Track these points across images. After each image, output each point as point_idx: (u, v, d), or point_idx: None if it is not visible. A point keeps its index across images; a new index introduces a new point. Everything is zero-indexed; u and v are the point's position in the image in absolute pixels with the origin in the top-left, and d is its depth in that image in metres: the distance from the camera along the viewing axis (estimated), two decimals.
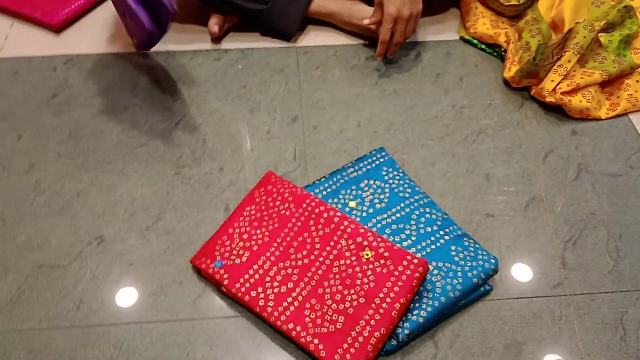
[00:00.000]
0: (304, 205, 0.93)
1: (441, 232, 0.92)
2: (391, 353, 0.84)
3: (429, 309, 0.83)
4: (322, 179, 1.02)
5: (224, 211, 1.01)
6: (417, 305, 0.84)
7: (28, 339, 0.87)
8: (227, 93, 1.20)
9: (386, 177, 1.01)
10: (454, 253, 0.89)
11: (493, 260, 0.88)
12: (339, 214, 0.90)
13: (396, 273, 0.83)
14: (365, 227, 0.89)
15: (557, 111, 1.17)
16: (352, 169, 1.03)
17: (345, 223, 0.89)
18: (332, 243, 0.89)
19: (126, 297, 0.91)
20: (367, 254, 0.86)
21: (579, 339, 0.86)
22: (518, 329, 0.87)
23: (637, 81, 1.19)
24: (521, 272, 0.93)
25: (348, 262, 0.86)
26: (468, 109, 1.18)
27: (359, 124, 1.15)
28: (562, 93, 1.13)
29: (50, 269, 0.95)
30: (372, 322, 0.81)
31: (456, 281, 0.85)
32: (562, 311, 0.89)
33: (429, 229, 0.93)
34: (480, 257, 0.89)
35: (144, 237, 0.98)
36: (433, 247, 0.90)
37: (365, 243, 0.86)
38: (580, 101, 1.13)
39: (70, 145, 1.11)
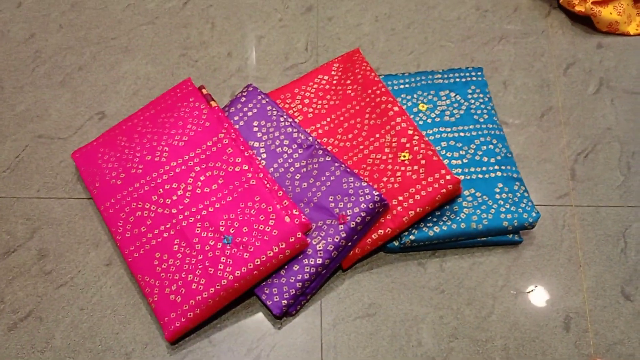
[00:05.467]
0: (369, 91, 0.90)
1: (495, 167, 0.87)
2: (390, 251, 0.84)
3: (444, 227, 0.81)
4: (406, 74, 0.97)
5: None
6: (434, 219, 0.82)
7: (26, 207, 0.87)
8: None
9: (469, 96, 0.95)
10: (498, 190, 0.85)
11: (535, 214, 0.83)
12: (396, 108, 0.86)
13: (424, 182, 0.80)
14: (419, 130, 0.85)
15: (585, 22, 1.11)
16: (439, 75, 0.97)
17: (398, 120, 0.85)
18: (377, 135, 0.86)
19: None
20: (404, 156, 0.83)
21: (579, 247, 0.86)
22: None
23: None
24: (529, 180, 0.92)
25: (384, 157, 0.84)
26: (492, 12, 1.11)
27: (377, 19, 1.09)
28: (593, 3, 1.07)
29: (49, 140, 0.93)
30: (382, 220, 0.80)
31: (485, 215, 0.82)
32: (566, 221, 0.89)
33: (485, 159, 0.88)
34: (523, 205, 0.83)
35: None
36: (481, 176, 0.86)
37: (407, 145, 0.83)
38: (611, 13, 1.07)
39: (73, 17, 1.06)
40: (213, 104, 0.86)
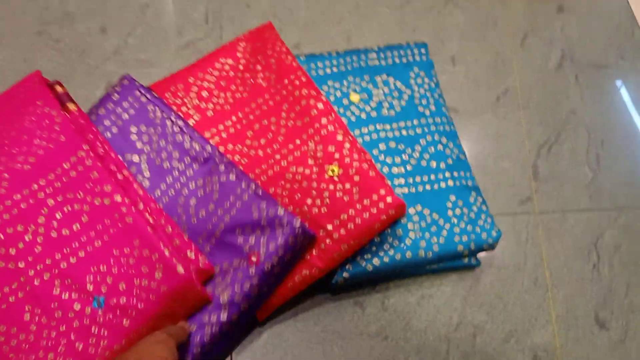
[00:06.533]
0: (286, 81, 0.69)
1: (447, 174, 0.69)
2: (325, 292, 0.67)
3: (386, 259, 0.63)
4: (333, 54, 0.76)
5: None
6: (373, 247, 0.63)
7: None
8: None
9: (412, 82, 0.75)
10: (450, 205, 0.67)
11: (495, 233, 0.66)
12: (321, 105, 0.66)
13: (358, 206, 0.61)
14: (350, 133, 0.65)
15: None
16: (374, 55, 0.77)
17: (323, 121, 0.65)
18: (298, 141, 0.66)
19: None
20: (332, 170, 0.63)
21: (546, 267, 0.72)
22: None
23: None
24: (485, 183, 0.75)
25: (307, 172, 0.64)
26: None
27: None
28: None
29: None
30: (306, 257, 0.61)
31: (435, 239, 0.65)
32: (529, 232, 0.73)
33: (434, 164, 0.70)
34: (481, 222, 0.67)
35: None
36: (429, 187, 0.68)
37: (336, 155, 0.63)
38: None
39: None
40: (71, 107, 0.63)
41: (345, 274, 0.63)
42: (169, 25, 0.81)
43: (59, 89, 0.64)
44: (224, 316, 0.57)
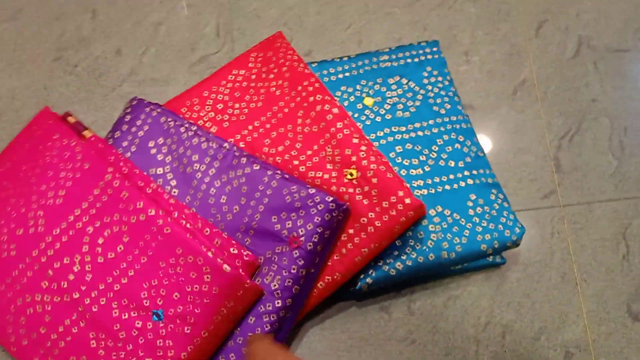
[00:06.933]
0: (300, 87, 0.69)
1: (466, 173, 0.69)
2: (344, 299, 0.67)
3: (409, 262, 0.63)
4: (345, 58, 0.77)
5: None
6: (395, 252, 0.63)
7: None
8: None
9: (425, 81, 0.75)
10: (471, 204, 0.67)
11: (519, 230, 0.65)
12: (336, 110, 0.67)
13: (377, 209, 0.61)
14: (365, 137, 0.66)
15: None
16: (386, 57, 0.77)
17: (339, 125, 0.65)
18: (315, 147, 0.66)
19: None
20: (351, 174, 0.63)
21: (573, 260, 0.70)
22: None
23: None
24: (505, 179, 0.75)
25: (326, 176, 0.64)
26: None
27: None
28: None
29: None
30: (328, 263, 0.62)
31: (458, 240, 0.64)
32: (555, 226, 0.72)
33: (452, 164, 0.69)
34: (504, 220, 0.66)
35: None
36: (448, 187, 0.68)
37: (353, 158, 0.64)
38: None
39: None
40: (87, 134, 0.64)
41: (368, 280, 0.63)
42: (182, 42, 0.82)
43: (71, 119, 0.66)
44: (278, 302, 0.58)
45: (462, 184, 0.68)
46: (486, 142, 0.77)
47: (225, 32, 0.83)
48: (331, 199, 0.59)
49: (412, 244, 0.64)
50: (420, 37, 0.84)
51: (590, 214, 0.73)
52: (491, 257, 0.67)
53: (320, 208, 0.59)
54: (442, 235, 0.65)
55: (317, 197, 0.59)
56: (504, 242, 0.65)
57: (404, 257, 0.63)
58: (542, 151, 0.77)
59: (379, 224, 0.61)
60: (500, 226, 0.66)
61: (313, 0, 0.86)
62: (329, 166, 0.65)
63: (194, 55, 0.81)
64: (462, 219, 0.66)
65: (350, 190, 0.63)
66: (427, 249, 0.64)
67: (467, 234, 0.65)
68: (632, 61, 0.84)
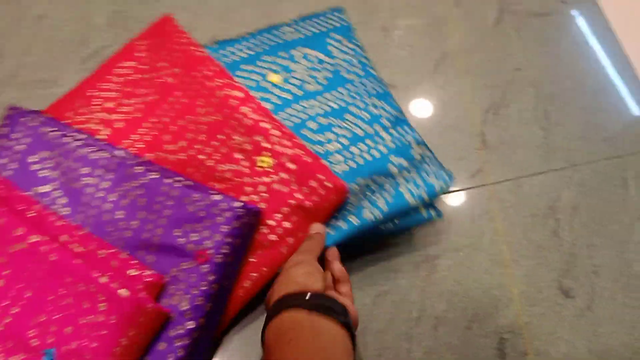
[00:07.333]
0: (196, 73, 0.63)
1: (383, 134, 0.65)
2: None
3: (332, 232, 0.59)
4: (245, 36, 0.71)
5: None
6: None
7: None
8: None
9: (332, 49, 0.70)
10: (394, 169, 0.62)
11: (445, 175, 0.63)
12: (238, 94, 0.61)
13: (299, 196, 0.57)
14: (276, 119, 0.61)
15: None
16: (289, 29, 0.71)
17: (244, 110, 0.60)
18: (221, 137, 0.61)
19: None
20: (262, 161, 0.59)
21: (503, 241, 0.68)
22: (429, 239, 0.67)
23: None
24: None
25: (237, 167, 0.59)
26: None
27: None
28: None
29: None
30: (252, 258, 0.57)
31: (380, 196, 0.61)
32: (483, 206, 0.70)
33: (370, 129, 0.65)
34: (427, 168, 0.63)
35: None
36: (368, 157, 0.63)
37: (265, 144, 0.59)
38: None
39: None
40: None
41: None
42: (71, 35, 0.73)
43: None
44: (190, 324, 0.53)
45: (382, 148, 0.63)
46: (410, 122, 0.73)
47: (119, 21, 0.75)
48: (239, 204, 0.54)
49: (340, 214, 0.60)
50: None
51: (518, 190, 0.71)
52: (425, 211, 0.63)
53: (227, 216, 0.54)
54: (365, 199, 0.61)
55: (224, 204, 0.54)
56: (433, 191, 0.62)
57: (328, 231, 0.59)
58: (468, 126, 0.74)
59: (302, 212, 0.57)
60: (424, 174, 0.63)
61: None
62: (238, 156, 0.60)
63: (86, 50, 0.73)
64: (385, 181, 0.62)
65: (266, 179, 0.58)
66: (347, 213, 0.60)
67: (390, 191, 0.61)
68: (555, 25, 0.81)
